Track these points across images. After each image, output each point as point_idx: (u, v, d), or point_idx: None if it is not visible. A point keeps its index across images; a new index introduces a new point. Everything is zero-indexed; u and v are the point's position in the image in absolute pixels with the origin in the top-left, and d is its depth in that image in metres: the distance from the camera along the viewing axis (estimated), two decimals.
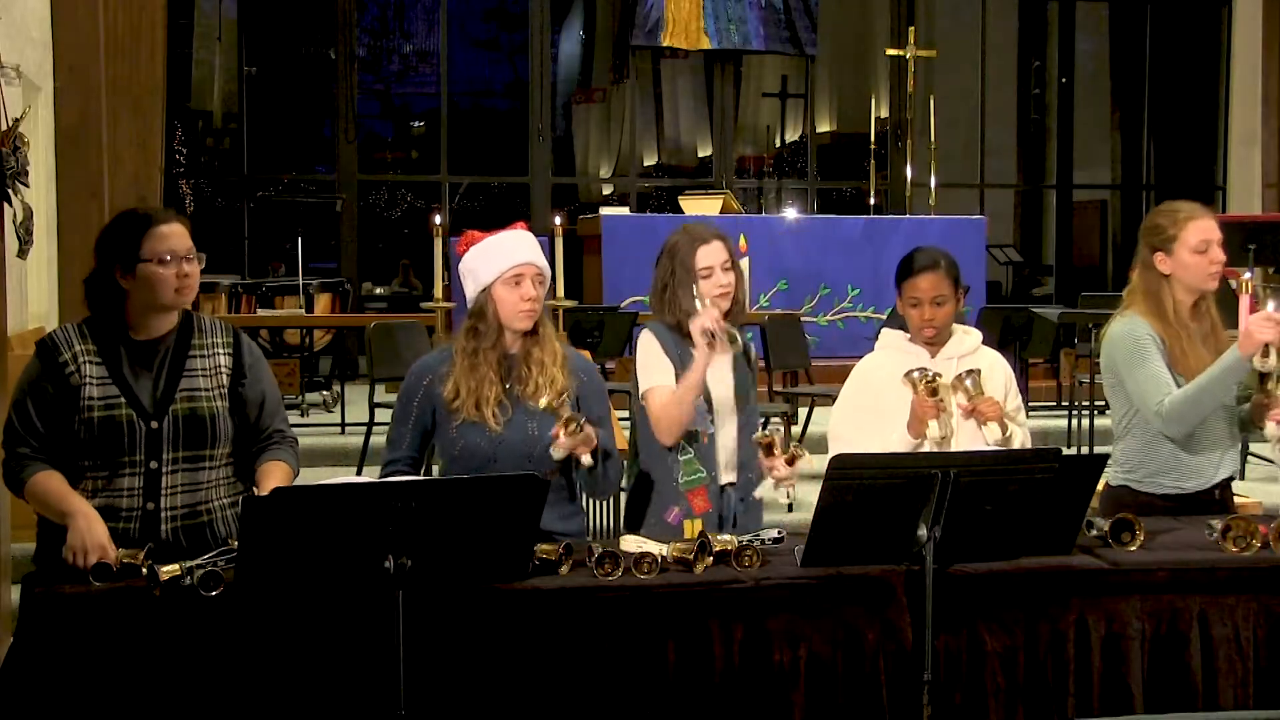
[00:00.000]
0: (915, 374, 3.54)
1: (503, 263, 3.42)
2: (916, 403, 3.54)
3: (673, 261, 3.65)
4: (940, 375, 3.56)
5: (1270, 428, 3.51)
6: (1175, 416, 3.59)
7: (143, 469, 3.12)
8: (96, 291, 3.17)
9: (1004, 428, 3.56)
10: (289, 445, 3.32)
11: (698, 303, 3.52)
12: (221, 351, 3.25)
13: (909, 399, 3.56)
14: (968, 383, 3.56)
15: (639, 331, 3.73)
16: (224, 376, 3.23)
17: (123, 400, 3.12)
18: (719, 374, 3.65)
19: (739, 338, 3.54)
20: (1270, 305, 3.45)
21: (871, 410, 3.65)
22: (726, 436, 3.66)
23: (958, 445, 3.58)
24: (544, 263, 3.47)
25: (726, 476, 3.67)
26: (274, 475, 3.22)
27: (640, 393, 3.68)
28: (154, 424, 3.12)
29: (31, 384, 3.14)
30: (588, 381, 3.55)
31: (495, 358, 3.42)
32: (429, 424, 3.45)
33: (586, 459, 3.28)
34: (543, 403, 3.30)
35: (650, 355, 3.66)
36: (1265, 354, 3.44)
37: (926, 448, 3.55)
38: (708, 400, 3.64)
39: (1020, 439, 3.63)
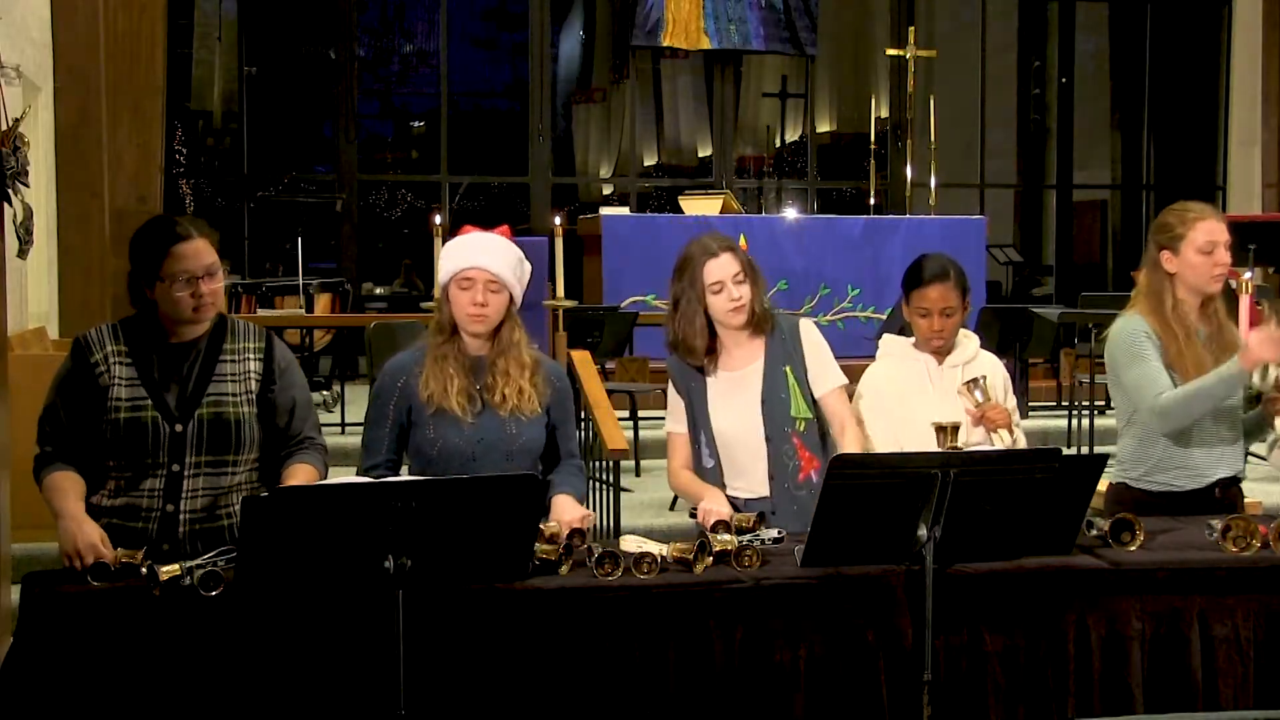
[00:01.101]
0: (974, 390, 3.62)
1: (456, 264, 3.41)
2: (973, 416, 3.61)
3: (681, 279, 3.60)
4: (938, 353, 3.63)
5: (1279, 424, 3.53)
6: (1169, 414, 3.62)
7: (165, 471, 3.13)
8: (134, 294, 3.20)
9: (1011, 433, 3.57)
10: (317, 450, 3.32)
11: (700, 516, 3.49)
12: (252, 357, 3.25)
13: (927, 407, 3.58)
14: (976, 393, 3.56)
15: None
16: (253, 382, 3.23)
17: (149, 402, 3.13)
18: (740, 396, 3.61)
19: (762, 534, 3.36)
20: (1275, 322, 3.49)
21: (895, 423, 3.67)
22: (752, 454, 3.61)
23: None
24: (504, 270, 3.40)
25: (756, 491, 3.60)
26: (298, 478, 3.21)
27: (665, 430, 3.76)
28: (178, 427, 3.13)
29: (62, 382, 3.17)
30: (560, 388, 3.54)
31: (454, 353, 3.41)
32: (405, 424, 3.44)
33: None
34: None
35: (669, 393, 3.71)
36: (1265, 372, 3.52)
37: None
38: (709, 435, 3.62)
39: (1022, 444, 3.64)
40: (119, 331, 3.20)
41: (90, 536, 2.94)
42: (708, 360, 3.63)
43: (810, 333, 3.69)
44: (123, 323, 3.22)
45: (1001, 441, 3.53)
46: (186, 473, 3.14)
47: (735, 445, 3.61)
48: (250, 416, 3.21)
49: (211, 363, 3.21)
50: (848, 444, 3.58)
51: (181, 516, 3.14)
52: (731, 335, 3.63)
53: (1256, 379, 3.53)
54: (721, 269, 3.55)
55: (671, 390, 3.69)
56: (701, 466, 3.66)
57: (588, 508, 3.52)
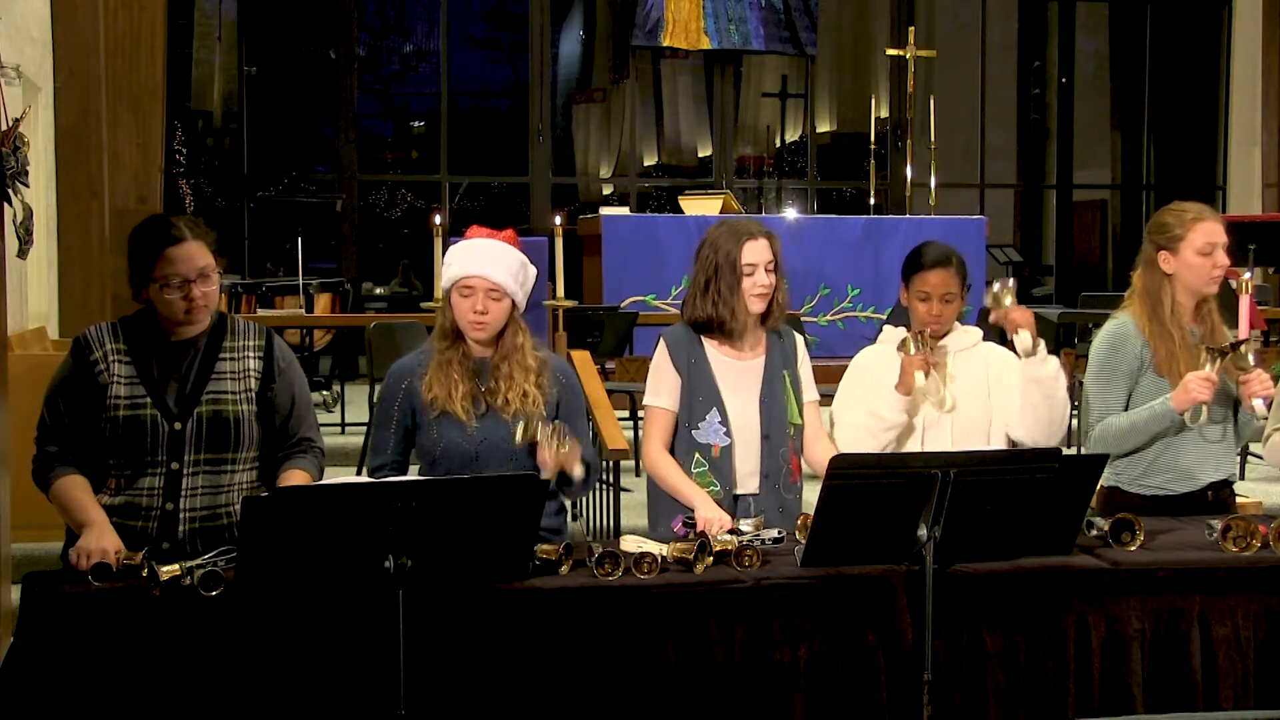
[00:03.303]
0: (906, 338, 3.56)
1: (457, 271, 3.42)
2: (905, 359, 3.54)
3: (716, 255, 3.57)
4: (933, 338, 3.58)
5: (1257, 405, 3.52)
6: (1102, 442, 3.67)
7: (164, 469, 3.13)
8: (134, 292, 3.19)
9: (1035, 341, 3.56)
10: (314, 454, 3.31)
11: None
12: (252, 355, 3.25)
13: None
14: (914, 346, 3.56)
15: (659, 334, 3.71)
16: (253, 380, 3.23)
17: (148, 400, 3.13)
18: (743, 386, 3.61)
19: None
20: (1208, 367, 3.52)
21: (868, 396, 3.67)
22: (748, 448, 3.60)
23: (960, 417, 3.62)
24: (505, 278, 3.40)
25: (745, 487, 3.61)
26: (293, 483, 3.20)
27: (644, 402, 3.69)
28: (177, 425, 3.13)
29: (62, 381, 3.17)
30: (566, 385, 3.53)
31: (459, 357, 3.42)
32: (410, 425, 3.45)
33: (578, 470, 3.30)
34: (516, 437, 3.28)
35: (659, 368, 3.64)
36: (1196, 412, 3.56)
37: (922, 409, 3.57)
38: (723, 414, 3.58)
39: (1054, 366, 3.63)
40: (118, 330, 3.20)
41: (108, 545, 2.94)
42: (718, 342, 3.62)
43: (802, 344, 3.76)
44: (122, 321, 3.23)
45: (1021, 343, 3.58)
46: (186, 471, 3.14)
47: (735, 434, 3.60)
48: (250, 415, 3.21)
49: (211, 361, 3.20)
50: (821, 452, 3.65)
51: (181, 515, 3.14)
52: (743, 322, 3.63)
53: (1189, 418, 3.57)
54: (758, 253, 3.57)
55: (667, 365, 3.62)
56: (700, 446, 3.59)
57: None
